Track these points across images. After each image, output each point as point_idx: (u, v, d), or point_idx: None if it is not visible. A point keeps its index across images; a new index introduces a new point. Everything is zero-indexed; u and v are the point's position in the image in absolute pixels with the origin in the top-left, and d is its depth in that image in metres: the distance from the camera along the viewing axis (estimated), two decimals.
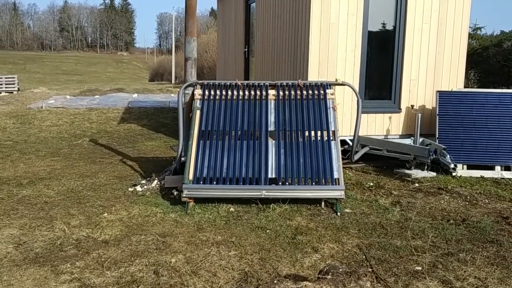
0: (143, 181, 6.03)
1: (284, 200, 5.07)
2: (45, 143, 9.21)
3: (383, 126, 7.02)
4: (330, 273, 3.05)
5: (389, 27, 7.00)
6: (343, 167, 6.73)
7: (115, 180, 6.25)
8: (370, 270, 3.74)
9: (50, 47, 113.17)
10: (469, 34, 12.91)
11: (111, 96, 17.23)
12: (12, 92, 19.67)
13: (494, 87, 11.44)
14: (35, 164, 7.33)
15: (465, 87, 12.93)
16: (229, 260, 3.81)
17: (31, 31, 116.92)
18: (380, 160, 6.90)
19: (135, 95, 17.90)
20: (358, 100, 5.80)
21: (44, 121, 11.55)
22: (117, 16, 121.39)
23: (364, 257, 3.92)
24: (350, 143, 6.49)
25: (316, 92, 5.72)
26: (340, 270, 3.07)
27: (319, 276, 3.08)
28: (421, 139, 6.68)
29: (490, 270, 3.65)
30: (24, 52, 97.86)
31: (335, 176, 5.07)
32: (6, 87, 19.89)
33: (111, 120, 12.09)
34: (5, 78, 20.46)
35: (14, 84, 20.19)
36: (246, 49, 9.80)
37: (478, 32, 13.01)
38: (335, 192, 4.98)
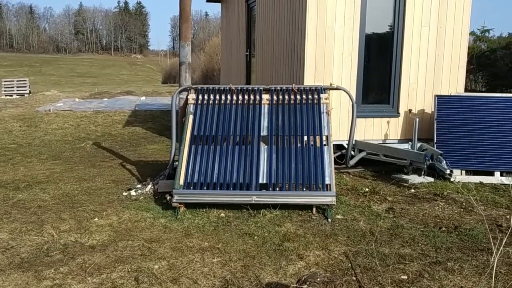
0: (139, 185, 6.04)
1: (275, 206, 5.04)
2: (49, 146, 9.29)
3: (381, 130, 6.94)
4: (308, 282, 3.01)
5: (387, 30, 6.92)
6: (341, 172, 6.69)
7: (111, 184, 6.28)
8: (354, 278, 3.69)
9: (65, 49, 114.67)
10: (477, 36, 12.75)
11: (119, 99, 17.35)
12: (24, 95, 19.94)
13: (502, 91, 11.28)
14: (35, 167, 7.40)
15: (473, 90, 12.81)
16: (211, 267, 3.79)
17: (47, 34, 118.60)
18: (379, 165, 6.82)
19: (143, 98, 18.01)
20: (353, 105, 5.75)
21: (50, 124, 11.67)
22: (131, 19, 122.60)
23: (349, 265, 3.87)
24: None
25: (310, 96, 5.68)
26: (318, 279, 3.02)
27: (297, 286, 3.05)
28: (419, 144, 6.59)
29: (476, 280, 3.58)
30: (40, 54, 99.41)
31: (327, 181, 5.02)
32: (17, 90, 20.17)
33: (116, 123, 12.16)
34: (17, 81, 20.76)
35: (25, 87, 20.46)
36: (248, 53, 9.79)
37: (486, 34, 12.80)
38: (326, 198, 4.93)
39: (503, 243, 3.87)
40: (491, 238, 4.20)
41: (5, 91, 19.91)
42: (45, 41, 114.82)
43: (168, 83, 44.91)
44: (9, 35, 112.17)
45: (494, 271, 3.09)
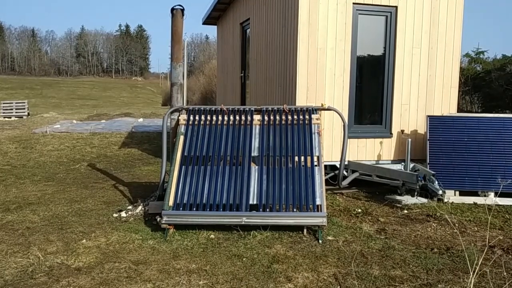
0: (130, 207, 5.99)
1: (265, 227, 4.98)
2: (43, 168, 9.26)
3: (374, 151, 6.92)
4: None
5: (379, 51, 6.97)
6: (334, 193, 6.65)
7: (103, 205, 6.23)
8: None
9: (66, 72, 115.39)
10: (472, 58, 12.85)
11: (117, 121, 17.41)
12: (22, 117, 20.03)
13: (497, 111, 11.31)
14: (27, 188, 7.35)
15: (469, 111, 12.84)
16: None
17: (48, 57, 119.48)
18: (373, 185, 6.78)
19: (141, 119, 18.08)
20: (344, 125, 5.75)
21: (46, 145, 11.67)
22: (132, 42, 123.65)
23: (338, 287, 3.80)
24: None
25: (301, 117, 5.68)
26: None
27: None
28: (412, 165, 6.56)
29: None
30: (41, 77, 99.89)
31: (318, 202, 4.98)
32: (16, 112, 20.28)
33: (112, 144, 12.16)
34: (16, 103, 20.88)
35: (24, 109, 20.58)
36: (243, 74, 9.85)
37: (481, 56, 12.90)
38: (317, 219, 4.88)
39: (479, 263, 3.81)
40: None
41: (3, 113, 20.01)
42: (46, 64, 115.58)
43: (168, 105, 45.17)
44: (11, 58, 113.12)
45: None
